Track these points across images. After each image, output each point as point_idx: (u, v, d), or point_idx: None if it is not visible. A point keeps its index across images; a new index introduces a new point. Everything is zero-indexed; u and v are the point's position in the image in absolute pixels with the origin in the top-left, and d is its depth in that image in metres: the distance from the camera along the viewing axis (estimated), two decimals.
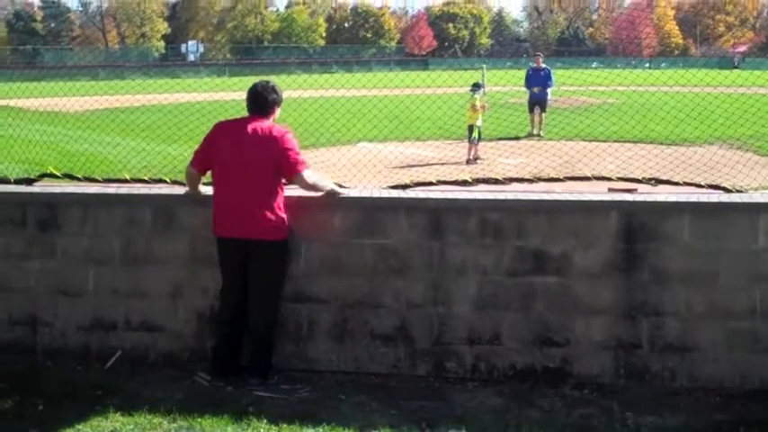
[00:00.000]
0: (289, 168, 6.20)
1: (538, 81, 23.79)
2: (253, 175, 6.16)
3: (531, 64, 25.16)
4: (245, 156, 6.16)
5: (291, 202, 6.50)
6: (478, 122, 18.49)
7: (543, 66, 24.53)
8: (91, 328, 6.89)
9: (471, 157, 18.04)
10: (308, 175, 6.28)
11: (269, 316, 6.44)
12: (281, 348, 6.61)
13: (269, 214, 6.18)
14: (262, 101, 6.37)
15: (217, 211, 6.33)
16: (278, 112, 6.47)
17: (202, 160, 6.37)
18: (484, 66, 21.25)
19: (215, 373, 6.42)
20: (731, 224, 6.14)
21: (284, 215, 6.26)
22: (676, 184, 6.81)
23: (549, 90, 23.80)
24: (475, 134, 18.37)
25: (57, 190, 7.22)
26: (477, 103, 18.94)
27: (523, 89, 24.24)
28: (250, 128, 6.24)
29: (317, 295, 6.57)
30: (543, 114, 23.30)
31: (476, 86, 19.50)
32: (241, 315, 6.41)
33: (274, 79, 6.87)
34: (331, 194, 6.48)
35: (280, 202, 6.25)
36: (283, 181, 6.32)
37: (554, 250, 6.29)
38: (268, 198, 6.19)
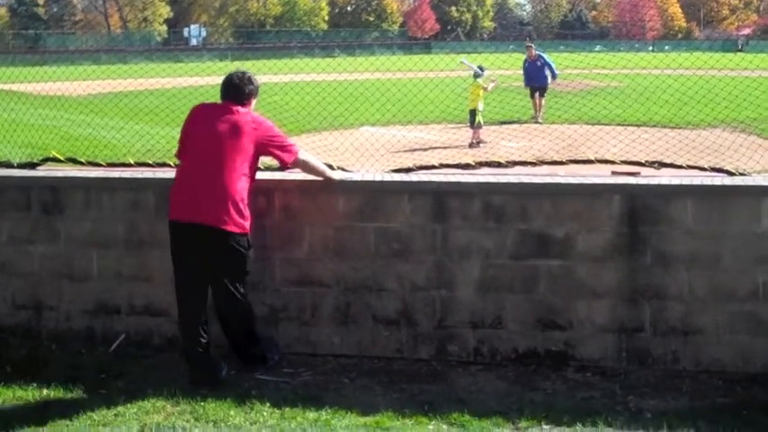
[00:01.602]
0: (285, 155, 6.11)
1: (536, 72, 23.57)
2: (223, 163, 5.93)
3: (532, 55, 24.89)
4: (218, 143, 5.96)
5: (294, 186, 6.53)
6: (480, 107, 18.46)
7: (537, 54, 24.14)
8: (95, 312, 6.92)
9: (474, 141, 18.02)
10: (305, 156, 6.25)
11: (239, 308, 6.18)
12: (284, 332, 6.63)
13: (233, 204, 5.91)
14: (238, 91, 6.16)
15: (177, 194, 6.08)
16: (254, 103, 6.28)
17: (183, 149, 6.22)
18: (464, 59, 20.57)
19: (193, 382, 6.06)
20: (734, 207, 6.13)
21: (248, 212, 6.01)
22: (680, 167, 6.80)
23: (549, 79, 23.61)
24: (479, 118, 18.36)
25: (60, 174, 7.24)
26: (490, 87, 18.93)
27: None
28: (225, 115, 6.06)
29: (319, 279, 6.58)
30: (543, 99, 23.20)
31: (479, 70, 19.40)
32: (205, 311, 6.14)
33: (277, 63, 6.86)
34: (330, 180, 6.47)
35: (245, 195, 6.00)
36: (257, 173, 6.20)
37: (557, 233, 6.29)
38: (235, 188, 5.93)
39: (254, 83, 6.27)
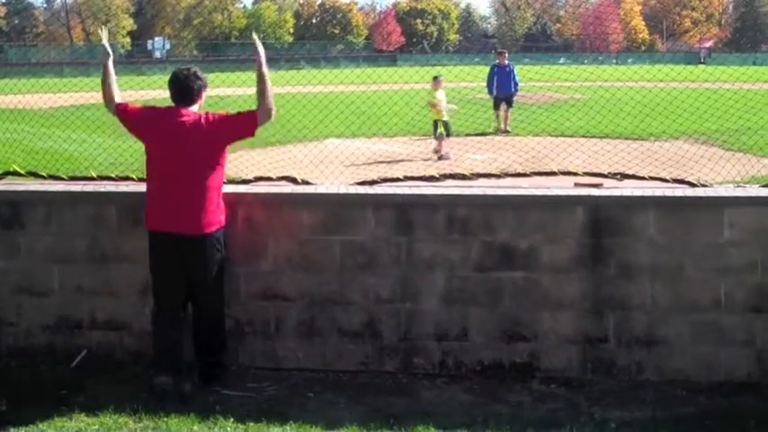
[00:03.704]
0: (248, 124, 6.07)
1: (504, 80, 23.69)
2: (189, 168, 6.00)
3: (495, 61, 25.06)
4: (180, 149, 6.00)
5: (257, 199, 6.50)
6: (444, 117, 18.39)
7: (507, 62, 24.45)
8: (56, 327, 6.83)
9: (439, 153, 17.94)
10: (263, 108, 6.10)
11: (220, 311, 6.33)
12: (249, 346, 6.58)
13: (207, 207, 6.03)
14: (188, 90, 6.16)
15: (151, 204, 6.15)
16: (204, 96, 6.28)
17: (131, 115, 6.25)
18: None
19: (158, 372, 6.12)
20: (696, 218, 6.18)
21: (221, 207, 6.16)
22: (642, 178, 6.86)
23: (515, 90, 23.81)
24: (440, 129, 18.27)
25: (20, 188, 7.14)
26: (446, 108, 18.74)
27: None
28: (181, 120, 6.07)
29: (284, 293, 6.54)
30: (509, 110, 23.30)
31: (436, 80, 19.22)
32: (178, 313, 6.23)
33: (241, 76, 6.82)
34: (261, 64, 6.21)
35: (217, 193, 6.11)
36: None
37: (521, 245, 6.31)
38: (206, 191, 6.02)
39: (202, 77, 6.25)
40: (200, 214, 6.03)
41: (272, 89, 6.18)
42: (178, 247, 6.07)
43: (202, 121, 6.06)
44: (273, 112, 6.14)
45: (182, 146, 6.01)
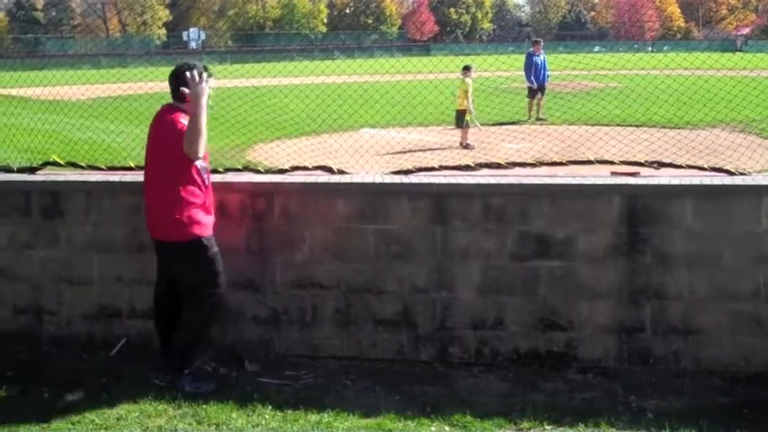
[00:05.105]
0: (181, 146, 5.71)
1: (540, 68, 23.72)
2: (156, 171, 5.93)
3: (530, 49, 24.97)
4: (150, 151, 5.98)
5: (294, 188, 6.53)
6: (470, 107, 18.23)
7: (542, 51, 24.49)
8: (96, 316, 6.92)
9: (466, 142, 17.83)
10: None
11: (193, 315, 6.04)
12: (285, 335, 6.63)
13: (172, 213, 5.85)
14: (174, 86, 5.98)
15: (145, 208, 6.20)
16: None
17: None
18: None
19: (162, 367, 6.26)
20: (734, 207, 6.14)
21: (191, 213, 5.86)
22: (679, 167, 6.80)
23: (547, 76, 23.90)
24: (466, 118, 18.09)
25: (60, 178, 7.23)
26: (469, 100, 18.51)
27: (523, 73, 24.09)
28: (159, 121, 5.99)
29: (320, 281, 6.58)
30: (543, 98, 23.36)
31: (467, 69, 19.00)
32: (169, 311, 6.21)
33: (276, 66, 6.80)
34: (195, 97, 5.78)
35: (185, 199, 5.84)
36: (201, 176, 5.91)
37: (557, 234, 6.29)
38: (171, 195, 5.84)
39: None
40: (167, 220, 5.89)
41: (204, 130, 5.70)
42: (161, 252, 6.14)
43: (173, 126, 5.81)
44: (195, 154, 5.70)
45: (153, 148, 5.97)
